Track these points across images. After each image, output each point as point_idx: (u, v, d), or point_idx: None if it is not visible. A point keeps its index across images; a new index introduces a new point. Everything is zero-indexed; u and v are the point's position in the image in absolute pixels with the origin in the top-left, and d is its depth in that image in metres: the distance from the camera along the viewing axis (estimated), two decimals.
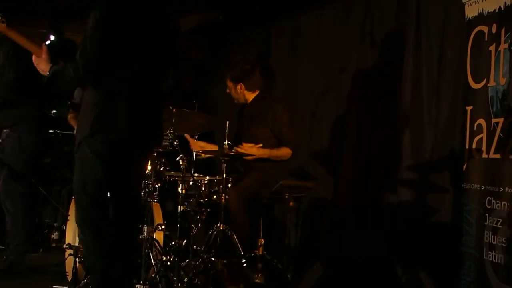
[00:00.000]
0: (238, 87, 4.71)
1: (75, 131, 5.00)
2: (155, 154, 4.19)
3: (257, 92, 4.74)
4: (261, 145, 4.50)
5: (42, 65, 3.24)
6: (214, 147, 4.78)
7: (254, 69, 4.76)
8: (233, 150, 4.30)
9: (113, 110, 3.10)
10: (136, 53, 3.15)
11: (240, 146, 4.43)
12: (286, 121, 4.63)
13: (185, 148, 4.47)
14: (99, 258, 3.16)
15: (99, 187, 3.14)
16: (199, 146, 4.73)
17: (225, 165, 4.17)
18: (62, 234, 5.47)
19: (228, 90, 4.80)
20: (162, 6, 3.30)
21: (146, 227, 3.96)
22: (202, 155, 4.75)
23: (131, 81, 3.14)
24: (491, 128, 3.53)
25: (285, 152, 4.58)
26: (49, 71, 3.19)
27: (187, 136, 4.71)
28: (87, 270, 4.02)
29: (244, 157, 4.45)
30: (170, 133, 3.94)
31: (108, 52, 3.08)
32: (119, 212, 3.20)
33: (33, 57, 3.28)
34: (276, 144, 4.58)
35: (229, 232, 4.11)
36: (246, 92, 4.72)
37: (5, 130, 4.62)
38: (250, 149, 4.44)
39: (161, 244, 4.22)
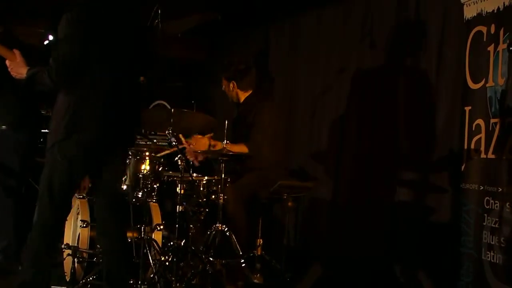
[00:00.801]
0: (231, 85, 4.72)
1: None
2: (153, 155, 4.19)
3: (250, 92, 4.74)
4: (212, 134, 4.48)
5: (18, 69, 3.25)
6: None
7: (249, 69, 4.75)
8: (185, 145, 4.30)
9: (86, 112, 3.13)
10: (109, 56, 3.19)
11: (188, 140, 4.43)
12: (262, 122, 4.56)
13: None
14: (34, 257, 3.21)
15: (63, 190, 3.20)
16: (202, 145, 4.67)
17: (223, 165, 4.16)
18: (61, 234, 5.47)
19: (223, 88, 4.80)
20: (135, 9, 3.35)
21: (144, 227, 3.97)
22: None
23: (103, 83, 3.17)
24: (490, 128, 3.53)
25: (240, 148, 4.46)
26: (26, 74, 3.22)
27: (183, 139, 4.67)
28: (85, 270, 4.03)
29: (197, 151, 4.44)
30: (169, 133, 3.93)
31: (81, 55, 3.11)
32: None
33: (7, 61, 3.30)
34: (267, 144, 4.55)
35: (228, 232, 4.11)
36: (238, 91, 4.73)
37: None
38: (199, 140, 4.42)
39: (160, 244, 4.22)
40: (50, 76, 3.09)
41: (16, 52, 3.28)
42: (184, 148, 4.51)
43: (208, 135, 4.51)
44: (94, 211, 3.56)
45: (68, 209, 3.38)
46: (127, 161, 3.94)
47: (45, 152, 3.24)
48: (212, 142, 4.43)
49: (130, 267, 3.44)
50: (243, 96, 4.74)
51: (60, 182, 3.19)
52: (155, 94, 6.02)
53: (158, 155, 4.47)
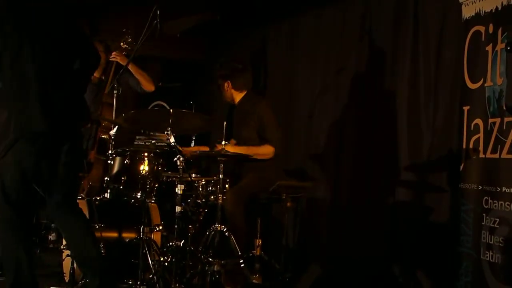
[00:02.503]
0: (226, 84, 4.72)
1: None
2: (152, 155, 4.19)
3: (245, 93, 4.74)
4: (235, 142, 4.49)
5: None
6: (205, 149, 4.76)
7: (244, 69, 4.75)
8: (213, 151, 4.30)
9: (28, 111, 3.13)
10: (29, 46, 3.15)
11: (216, 145, 4.42)
12: (269, 120, 4.60)
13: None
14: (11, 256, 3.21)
15: (17, 190, 3.19)
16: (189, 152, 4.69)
17: (222, 165, 4.16)
18: (60, 235, 5.46)
19: (220, 87, 4.81)
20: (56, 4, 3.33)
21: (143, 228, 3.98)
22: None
23: (27, 76, 3.15)
24: (488, 128, 3.53)
25: (266, 150, 4.53)
26: None
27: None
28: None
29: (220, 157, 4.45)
30: (168, 133, 3.93)
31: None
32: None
33: None
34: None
35: (227, 233, 4.11)
36: (233, 91, 4.72)
37: None
38: (227, 147, 4.43)
39: (159, 244, 4.22)
40: None
41: None
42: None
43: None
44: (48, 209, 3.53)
45: (29, 207, 3.33)
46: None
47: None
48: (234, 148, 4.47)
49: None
50: (238, 96, 4.74)
51: (12, 181, 3.18)
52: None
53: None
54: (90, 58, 3.44)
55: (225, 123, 4.21)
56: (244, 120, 4.65)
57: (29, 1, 3.23)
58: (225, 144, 4.14)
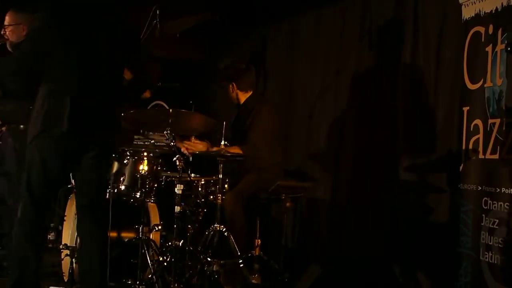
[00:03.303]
0: (230, 86, 4.70)
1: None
2: (151, 155, 4.18)
3: (250, 93, 4.72)
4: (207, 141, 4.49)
5: None
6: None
7: (248, 69, 4.74)
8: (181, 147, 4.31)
9: (57, 107, 3.12)
10: (78, 51, 3.17)
11: (185, 142, 4.42)
12: (260, 124, 4.56)
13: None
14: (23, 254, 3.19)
15: (41, 187, 3.18)
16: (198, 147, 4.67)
17: (221, 165, 4.16)
18: (59, 234, 5.46)
19: (225, 90, 4.79)
20: (111, 8, 3.33)
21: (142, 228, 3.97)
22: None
23: (73, 79, 3.16)
24: (488, 129, 3.53)
25: (234, 150, 4.43)
26: None
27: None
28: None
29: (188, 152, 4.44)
30: (167, 133, 3.93)
31: (47, 51, 3.12)
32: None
33: None
34: (269, 145, 4.55)
35: (226, 233, 4.10)
36: (238, 92, 4.71)
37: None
38: (195, 145, 4.42)
39: (158, 244, 4.21)
40: (12, 67, 3.12)
41: None
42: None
43: (206, 141, 4.53)
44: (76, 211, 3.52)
45: (47, 206, 3.34)
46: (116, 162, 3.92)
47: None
48: (210, 149, 4.43)
49: (105, 270, 3.38)
50: (243, 97, 4.73)
51: (38, 179, 3.17)
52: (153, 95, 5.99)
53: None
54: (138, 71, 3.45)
55: (224, 123, 4.20)
56: (247, 121, 4.62)
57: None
58: (225, 144, 4.14)
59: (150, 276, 3.90)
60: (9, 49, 4.10)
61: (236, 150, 4.44)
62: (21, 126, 4.39)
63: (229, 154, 4.19)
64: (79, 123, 3.15)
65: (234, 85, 4.68)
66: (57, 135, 3.13)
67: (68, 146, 3.18)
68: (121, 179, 4.27)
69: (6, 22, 4.16)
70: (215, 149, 4.43)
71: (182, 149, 4.44)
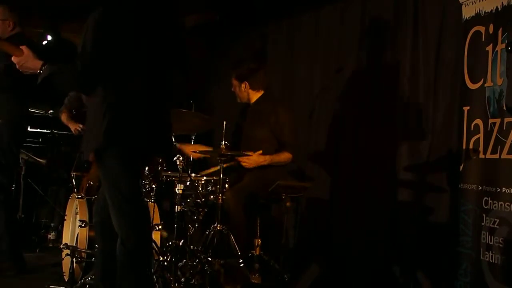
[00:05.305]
0: (243, 85, 4.68)
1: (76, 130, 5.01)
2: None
3: (262, 93, 4.72)
4: (261, 151, 4.48)
5: (29, 63, 3.11)
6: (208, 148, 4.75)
7: (260, 68, 4.74)
8: (235, 160, 4.30)
9: (123, 119, 3.02)
10: (140, 55, 3.06)
11: (245, 155, 4.43)
12: (288, 124, 4.59)
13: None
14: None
15: (129, 187, 3.11)
16: (191, 150, 4.67)
17: (222, 165, 4.16)
18: (59, 234, 5.47)
19: (232, 89, 4.77)
20: (166, 5, 3.23)
21: None
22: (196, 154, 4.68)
23: (137, 85, 3.06)
24: (488, 129, 3.53)
25: (285, 157, 4.55)
26: (41, 70, 3.07)
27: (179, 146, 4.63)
28: (83, 270, 4.03)
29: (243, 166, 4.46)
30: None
31: (109, 55, 2.98)
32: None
33: (13, 58, 3.16)
34: (276, 146, 4.56)
35: (226, 232, 4.10)
36: (250, 91, 4.70)
37: None
38: (252, 159, 4.42)
39: (158, 244, 4.21)
40: (75, 75, 2.99)
41: (24, 48, 3.13)
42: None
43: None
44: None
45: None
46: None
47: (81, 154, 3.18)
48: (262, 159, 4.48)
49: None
50: (254, 96, 4.71)
51: (126, 182, 3.10)
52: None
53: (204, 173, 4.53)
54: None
55: (224, 123, 4.20)
56: (259, 120, 4.62)
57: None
58: (225, 144, 4.14)
59: None
60: None
61: (286, 156, 4.53)
62: None
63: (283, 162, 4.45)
64: (145, 136, 3.09)
65: (247, 84, 4.67)
66: (128, 149, 3.06)
67: (134, 158, 3.12)
68: None
69: None
70: (267, 158, 4.48)
71: (242, 163, 4.49)
